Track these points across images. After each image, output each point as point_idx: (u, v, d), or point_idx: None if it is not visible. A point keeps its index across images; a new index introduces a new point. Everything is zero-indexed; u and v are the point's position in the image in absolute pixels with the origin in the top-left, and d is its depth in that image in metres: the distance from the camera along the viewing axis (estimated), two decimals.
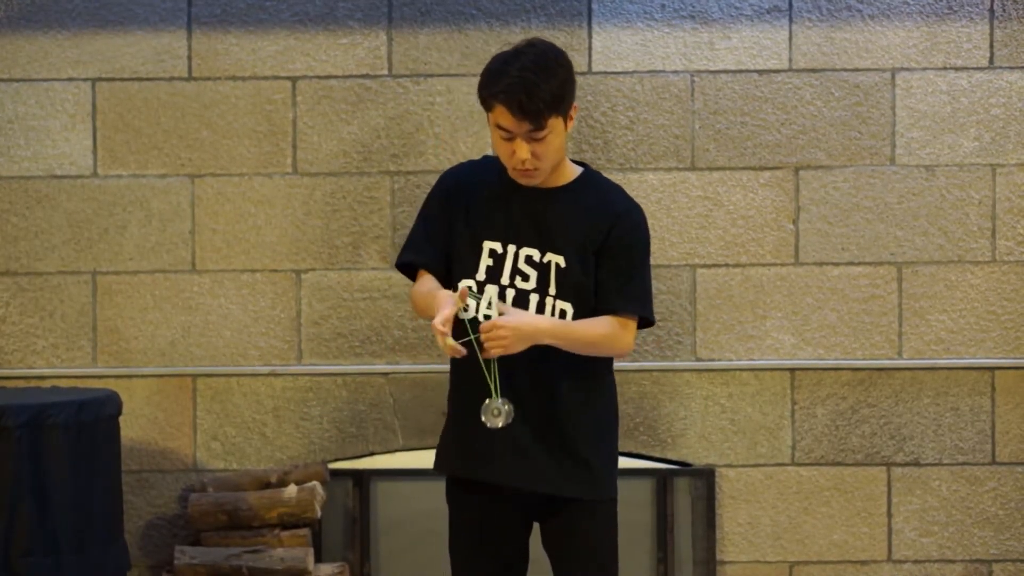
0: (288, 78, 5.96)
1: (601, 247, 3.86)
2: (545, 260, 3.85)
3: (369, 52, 5.95)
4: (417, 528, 5.92)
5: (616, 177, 5.83)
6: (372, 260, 5.94)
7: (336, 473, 5.91)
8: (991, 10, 5.93)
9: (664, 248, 5.90)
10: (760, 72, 5.95)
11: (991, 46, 5.94)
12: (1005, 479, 5.97)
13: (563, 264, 3.84)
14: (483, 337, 3.71)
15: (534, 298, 3.85)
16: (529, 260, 3.86)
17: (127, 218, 5.96)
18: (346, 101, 5.95)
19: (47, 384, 5.83)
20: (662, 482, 5.91)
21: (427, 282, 3.91)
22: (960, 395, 5.95)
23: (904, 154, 5.94)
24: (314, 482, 5.75)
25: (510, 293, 3.85)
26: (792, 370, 5.95)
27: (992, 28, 5.93)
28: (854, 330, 5.95)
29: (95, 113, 5.96)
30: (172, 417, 5.96)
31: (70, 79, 5.96)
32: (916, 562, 5.97)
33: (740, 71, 5.95)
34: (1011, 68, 5.94)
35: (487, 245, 3.87)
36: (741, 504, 5.97)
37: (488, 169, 3.95)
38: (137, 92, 5.96)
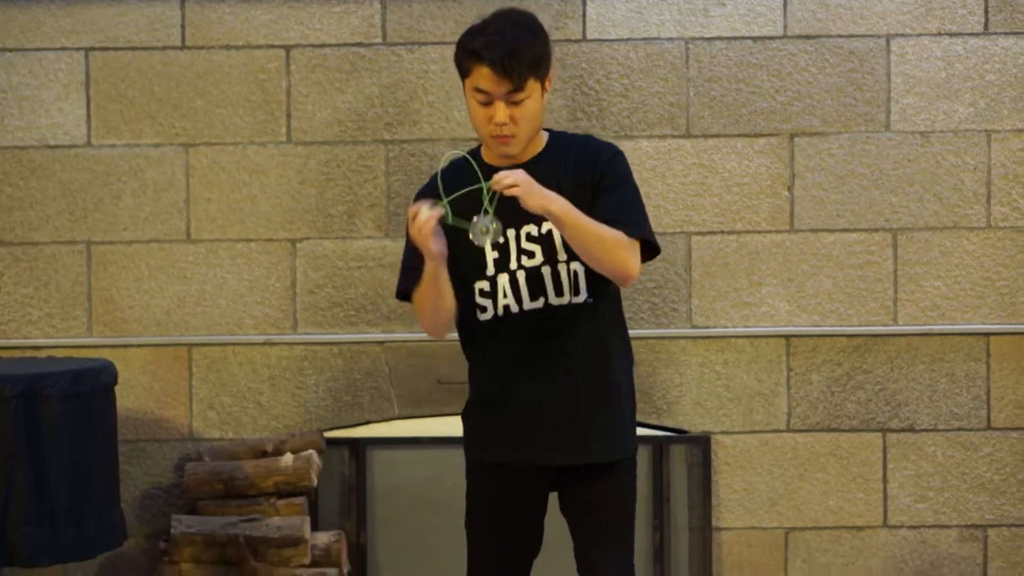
0: (282, 47, 5.94)
1: (592, 190, 3.84)
2: (544, 231, 3.85)
3: (363, 20, 5.94)
4: (413, 496, 5.93)
5: None
6: (367, 229, 5.94)
7: (332, 442, 5.91)
8: None
9: (659, 215, 5.89)
10: (755, 39, 5.94)
11: (986, 11, 5.92)
12: (1000, 444, 5.98)
13: None
14: (494, 186, 3.68)
15: (546, 270, 3.86)
16: (530, 236, 3.86)
17: (121, 188, 5.96)
18: (340, 70, 5.93)
19: (42, 354, 5.83)
20: (658, 449, 5.92)
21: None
22: (955, 361, 5.96)
23: (899, 120, 5.94)
24: (310, 451, 5.75)
25: (520, 275, 3.85)
26: (787, 337, 5.95)
27: None
28: (849, 296, 5.95)
29: (88, 83, 5.95)
30: (168, 387, 5.96)
31: (63, 49, 5.94)
32: (911, 527, 5.98)
33: (735, 38, 5.93)
34: (1006, 34, 5.93)
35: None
36: (737, 471, 5.98)
37: (459, 170, 3.89)
38: (130, 61, 5.94)
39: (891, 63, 5.93)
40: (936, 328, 5.94)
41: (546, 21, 5.86)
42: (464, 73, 3.81)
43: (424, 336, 5.87)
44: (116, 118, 5.95)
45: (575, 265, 3.85)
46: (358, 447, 5.94)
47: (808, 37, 5.93)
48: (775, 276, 5.95)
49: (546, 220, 3.80)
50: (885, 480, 5.98)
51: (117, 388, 5.40)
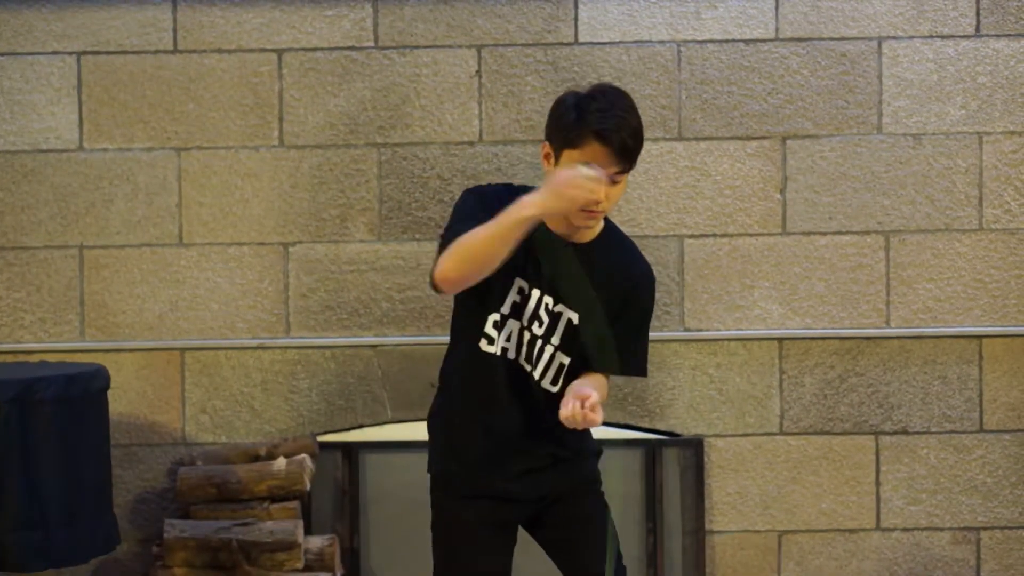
0: (274, 50, 5.94)
1: (622, 304, 3.88)
2: (556, 310, 3.85)
3: (355, 24, 5.93)
4: (406, 500, 5.92)
5: None
6: (359, 232, 5.94)
7: (325, 446, 5.91)
8: None
9: (651, 219, 5.90)
10: (747, 42, 5.94)
11: (977, 14, 5.93)
12: (993, 447, 5.98)
13: (575, 321, 3.85)
14: (582, 417, 3.67)
15: (538, 344, 3.87)
16: (546, 307, 3.86)
17: (113, 192, 5.95)
18: (332, 73, 5.93)
19: (35, 359, 5.83)
20: (651, 452, 5.91)
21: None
22: (948, 363, 5.96)
23: (891, 123, 5.94)
24: (303, 455, 5.75)
25: (526, 335, 3.87)
26: (780, 340, 5.96)
27: None
28: (842, 299, 5.95)
29: (80, 86, 5.94)
30: (160, 391, 5.96)
31: (55, 52, 5.94)
32: (904, 530, 5.98)
33: (726, 41, 5.94)
34: (997, 36, 5.93)
35: (518, 282, 3.84)
36: (730, 474, 5.98)
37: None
38: (122, 65, 5.94)
39: (883, 65, 5.94)
40: (929, 331, 5.95)
41: (538, 24, 5.89)
42: (571, 144, 3.69)
43: (417, 340, 5.88)
44: (108, 122, 5.94)
45: (563, 357, 3.88)
46: (351, 451, 5.94)
47: (800, 40, 5.93)
48: (767, 279, 5.95)
49: (562, 302, 3.84)
50: (878, 483, 5.98)
51: (110, 392, 5.39)
